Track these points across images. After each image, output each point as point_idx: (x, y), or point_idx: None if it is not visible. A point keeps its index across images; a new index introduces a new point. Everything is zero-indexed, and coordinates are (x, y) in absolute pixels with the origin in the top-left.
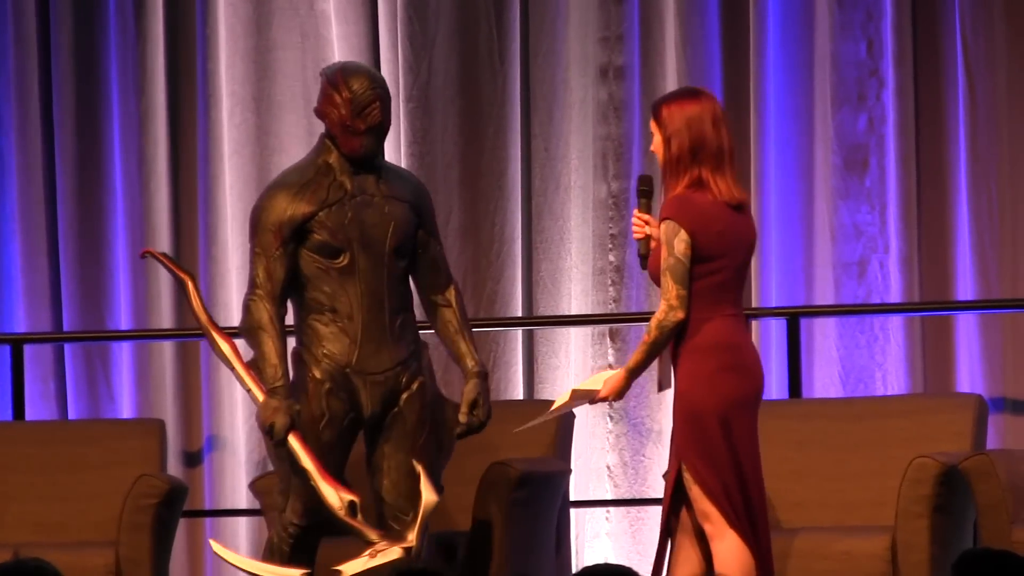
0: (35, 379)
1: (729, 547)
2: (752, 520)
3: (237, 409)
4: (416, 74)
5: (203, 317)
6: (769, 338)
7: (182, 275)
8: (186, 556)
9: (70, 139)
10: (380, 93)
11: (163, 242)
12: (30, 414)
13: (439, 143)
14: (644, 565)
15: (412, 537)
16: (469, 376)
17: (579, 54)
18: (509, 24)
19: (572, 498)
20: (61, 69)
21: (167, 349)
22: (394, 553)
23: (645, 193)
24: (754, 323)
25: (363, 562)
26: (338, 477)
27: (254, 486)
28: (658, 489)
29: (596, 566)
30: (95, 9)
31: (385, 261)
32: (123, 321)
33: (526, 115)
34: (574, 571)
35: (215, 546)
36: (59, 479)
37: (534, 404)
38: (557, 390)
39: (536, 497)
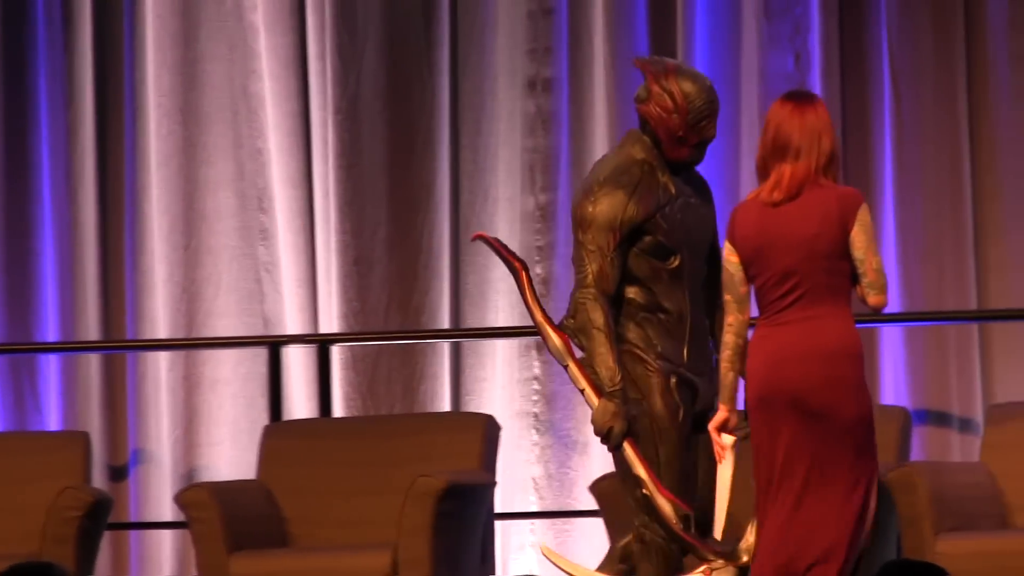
0: None
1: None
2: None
3: (163, 422)
4: (345, 86)
5: (536, 310)
6: None
7: (515, 263)
8: (111, 569)
9: None
10: (715, 107)
11: (90, 253)
12: None
13: (367, 154)
14: None
15: (747, 558)
16: None
17: (507, 66)
18: (438, 36)
19: (498, 510)
20: None
21: (94, 361)
22: (729, 573)
23: None
24: None
25: None
26: (693, 475)
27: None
28: (584, 501)
29: None
30: (23, 21)
31: (702, 264)
32: (50, 333)
33: (454, 127)
34: None
35: (544, 549)
36: None
37: (463, 416)
38: (484, 402)
39: (462, 508)
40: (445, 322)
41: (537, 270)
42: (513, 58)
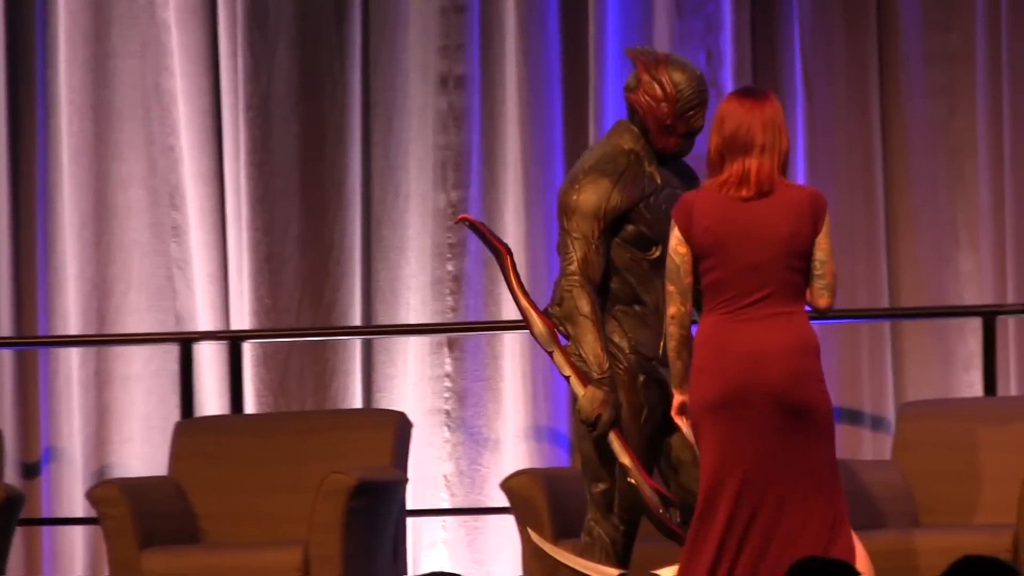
0: None
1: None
2: (702, 524)
3: (75, 419)
4: (256, 83)
5: (520, 295)
6: None
7: (499, 247)
8: (23, 565)
9: None
10: (705, 97)
11: (3, 249)
12: None
13: (279, 151)
14: (480, 573)
15: None
16: None
17: (419, 63)
18: (349, 33)
19: (409, 507)
20: None
21: (6, 358)
22: None
23: None
24: None
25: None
26: (651, 473)
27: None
28: (495, 498)
29: (430, 574)
30: None
31: None
32: None
33: (366, 124)
34: None
35: (533, 535)
36: None
37: (374, 413)
38: (395, 399)
39: (373, 505)
40: (357, 319)
41: (448, 267)
42: (425, 55)
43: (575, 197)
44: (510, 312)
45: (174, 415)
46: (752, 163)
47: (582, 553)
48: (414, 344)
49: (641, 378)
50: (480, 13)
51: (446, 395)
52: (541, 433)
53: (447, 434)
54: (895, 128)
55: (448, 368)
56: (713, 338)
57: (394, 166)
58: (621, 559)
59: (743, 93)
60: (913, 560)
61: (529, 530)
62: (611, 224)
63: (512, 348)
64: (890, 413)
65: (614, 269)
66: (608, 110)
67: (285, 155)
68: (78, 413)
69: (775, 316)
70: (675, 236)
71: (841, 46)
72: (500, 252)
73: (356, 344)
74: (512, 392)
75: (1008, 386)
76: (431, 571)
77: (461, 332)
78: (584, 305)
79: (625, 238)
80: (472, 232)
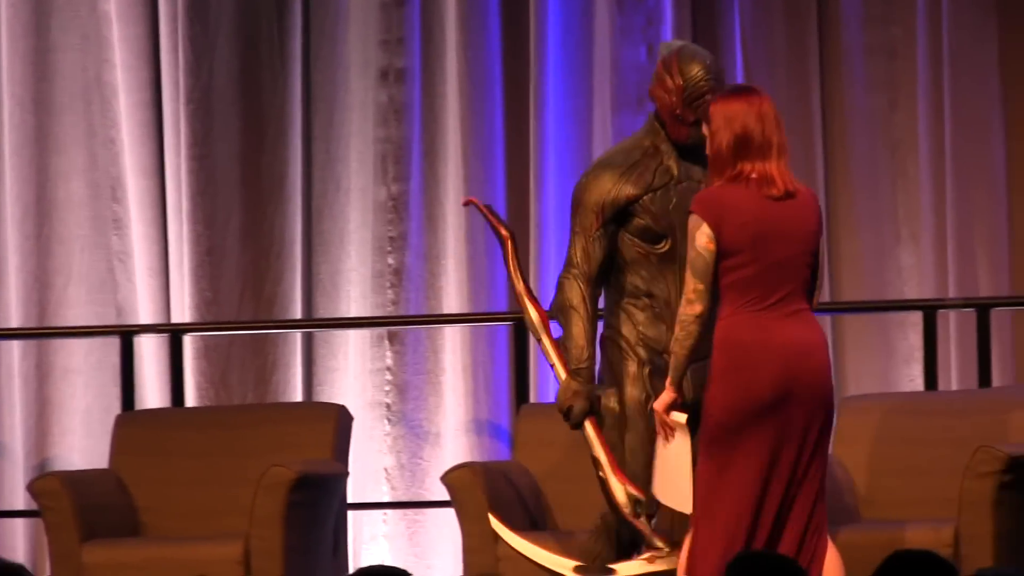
0: None
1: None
2: (728, 527)
3: (16, 412)
4: (197, 76)
5: (518, 280)
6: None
7: (503, 232)
8: None
9: None
10: (714, 84)
11: None
12: None
13: (220, 144)
14: (421, 567)
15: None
16: None
17: (360, 57)
18: (290, 27)
19: (351, 500)
20: None
21: None
22: (672, 562)
23: None
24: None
25: (640, 565)
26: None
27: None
28: (436, 492)
29: (371, 567)
30: None
31: None
32: None
33: (307, 117)
34: (350, 573)
35: (493, 521)
36: None
37: (315, 406)
38: (336, 392)
39: (314, 499)
40: (297, 312)
41: (389, 260)
42: (366, 49)
43: (579, 192)
44: (451, 306)
45: (115, 408)
46: (772, 164)
47: (594, 536)
48: (355, 337)
49: (647, 369)
50: (421, 7)
51: (387, 388)
52: (482, 427)
53: (388, 427)
54: (836, 122)
55: (389, 361)
56: (746, 336)
57: (335, 160)
58: (625, 548)
59: (743, 91)
60: (854, 554)
61: (490, 515)
62: (614, 217)
63: (453, 341)
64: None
65: (624, 263)
66: (549, 104)
67: (226, 148)
68: (19, 406)
69: (799, 312)
70: (705, 234)
71: (782, 39)
72: (502, 237)
73: (297, 337)
74: (452, 386)
75: (949, 380)
76: (371, 565)
77: (402, 326)
78: (574, 296)
79: (632, 231)
80: (480, 214)
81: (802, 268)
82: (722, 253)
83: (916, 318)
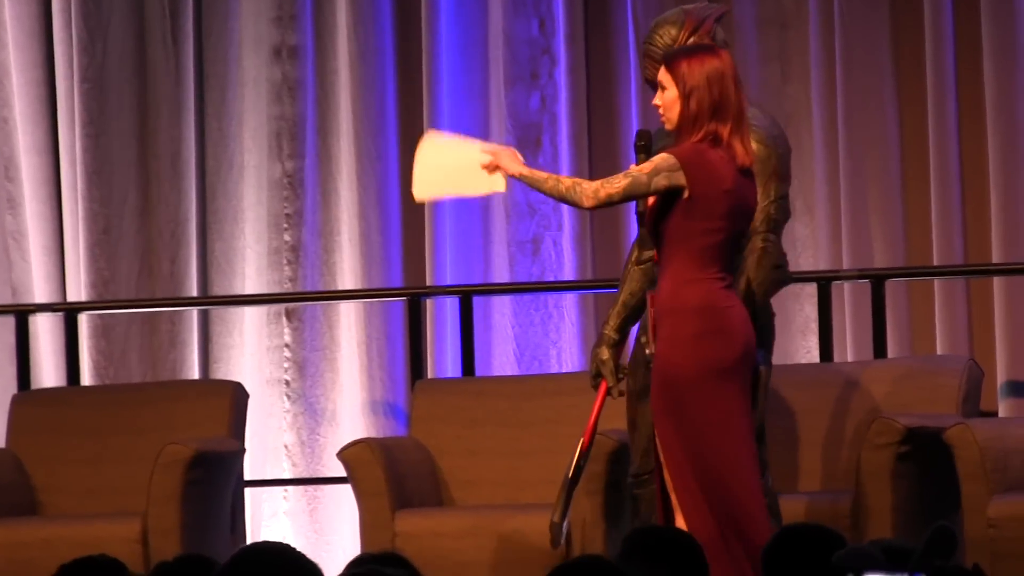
0: None
1: (685, 522)
2: (714, 494)
3: None
4: (91, 55)
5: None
6: (444, 317)
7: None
8: None
9: None
10: (645, 48)
11: None
12: None
13: (114, 122)
14: (321, 543)
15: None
16: None
17: (252, 34)
18: (182, 4)
19: (251, 477)
20: None
21: None
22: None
23: (643, 148)
24: (428, 302)
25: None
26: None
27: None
28: (335, 468)
29: (256, 544)
30: None
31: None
32: None
33: (200, 95)
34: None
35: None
36: None
37: (211, 384)
38: (232, 370)
39: (211, 476)
40: (193, 290)
41: (285, 237)
42: (258, 25)
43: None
44: (346, 282)
45: (11, 387)
46: (736, 134)
47: (638, 501)
48: (250, 314)
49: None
50: None
51: (286, 365)
52: (377, 404)
53: (287, 404)
54: None
55: (287, 338)
56: (715, 301)
57: (228, 137)
58: (666, 511)
59: (707, 51)
60: None
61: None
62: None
63: (348, 318)
64: None
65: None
66: (442, 78)
67: (120, 126)
68: None
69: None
70: (668, 177)
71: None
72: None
73: (193, 315)
74: (348, 362)
75: (844, 351)
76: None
77: (296, 302)
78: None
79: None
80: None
81: (742, 243)
82: (699, 214)
83: (811, 289)
